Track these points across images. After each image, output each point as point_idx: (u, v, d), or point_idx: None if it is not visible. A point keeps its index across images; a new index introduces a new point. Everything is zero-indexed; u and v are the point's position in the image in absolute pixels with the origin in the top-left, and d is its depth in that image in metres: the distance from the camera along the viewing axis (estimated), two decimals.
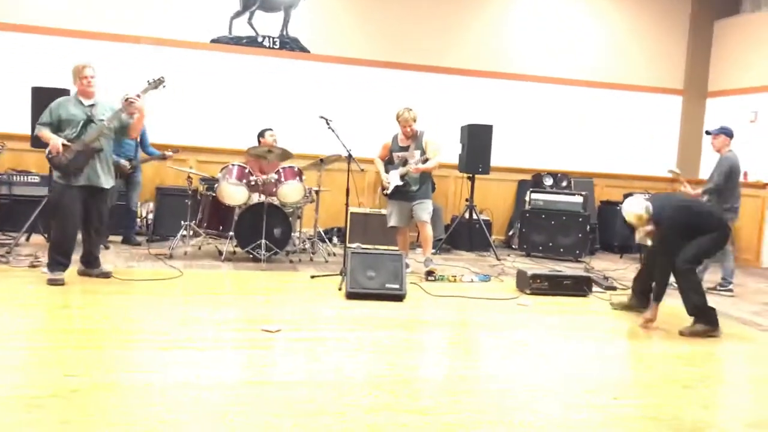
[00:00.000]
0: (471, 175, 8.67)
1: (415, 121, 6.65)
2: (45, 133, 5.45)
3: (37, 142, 6.00)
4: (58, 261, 5.45)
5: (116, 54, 8.36)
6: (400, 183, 6.69)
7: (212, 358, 3.89)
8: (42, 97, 6.32)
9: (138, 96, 5.55)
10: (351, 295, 5.51)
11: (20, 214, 7.19)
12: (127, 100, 5.53)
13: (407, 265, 6.45)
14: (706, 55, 10.44)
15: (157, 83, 5.71)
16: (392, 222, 6.87)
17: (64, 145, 5.37)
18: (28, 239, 7.08)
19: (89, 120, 5.48)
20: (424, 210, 6.76)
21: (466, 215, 8.72)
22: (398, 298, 5.56)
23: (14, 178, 7.79)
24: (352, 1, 9.25)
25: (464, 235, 8.82)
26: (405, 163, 6.71)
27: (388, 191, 6.79)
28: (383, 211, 8.23)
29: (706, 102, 10.44)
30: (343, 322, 4.88)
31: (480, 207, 9.00)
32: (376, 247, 7.60)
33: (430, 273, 6.59)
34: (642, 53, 10.30)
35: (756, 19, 9.83)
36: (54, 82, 6.95)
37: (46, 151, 5.44)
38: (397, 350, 4.29)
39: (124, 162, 7.20)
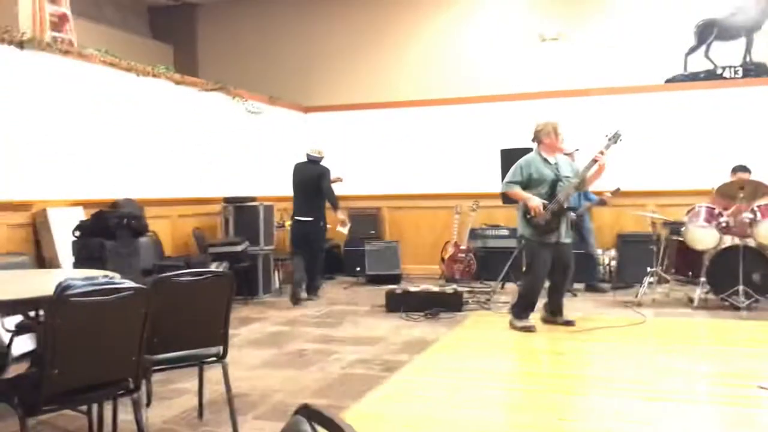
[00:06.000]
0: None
1: None
2: (518, 191, 5.74)
3: (507, 199, 6.49)
4: (525, 310, 5.79)
5: (567, 109, 8.68)
6: None
7: (704, 414, 3.65)
8: (510, 158, 6.81)
9: (602, 153, 5.67)
10: None
11: (494, 264, 7.94)
12: (594, 159, 5.68)
13: None
14: None
15: (615, 138, 5.77)
16: None
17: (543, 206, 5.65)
18: (502, 287, 7.73)
19: (557, 179, 5.72)
20: None
21: None
22: None
23: (487, 232, 8.68)
24: None
25: None
26: None
27: None
28: None
29: None
30: None
31: None
32: None
33: None
34: None
35: None
36: (517, 143, 7.51)
37: (523, 211, 5.70)
38: None
39: (570, 214, 7.36)
